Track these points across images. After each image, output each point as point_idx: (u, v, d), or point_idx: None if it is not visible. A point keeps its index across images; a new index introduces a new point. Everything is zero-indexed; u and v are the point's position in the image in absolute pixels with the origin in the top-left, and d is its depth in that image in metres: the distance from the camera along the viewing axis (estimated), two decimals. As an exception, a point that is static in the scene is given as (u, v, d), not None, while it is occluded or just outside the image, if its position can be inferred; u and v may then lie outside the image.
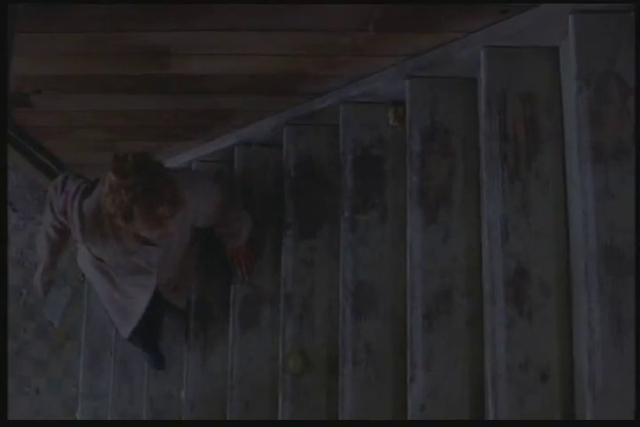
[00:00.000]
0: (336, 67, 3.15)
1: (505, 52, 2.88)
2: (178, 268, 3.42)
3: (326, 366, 3.44)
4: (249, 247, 3.66)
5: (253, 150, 3.82)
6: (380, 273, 3.27)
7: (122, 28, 2.79)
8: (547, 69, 2.88)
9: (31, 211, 4.92)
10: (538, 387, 2.72)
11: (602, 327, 2.46)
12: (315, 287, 3.48)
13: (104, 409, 4.39)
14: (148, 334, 3.77)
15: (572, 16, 2.62)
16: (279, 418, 3.46)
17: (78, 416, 4.56)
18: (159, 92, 3.36)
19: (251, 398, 3.65)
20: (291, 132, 3.63)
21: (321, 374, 3.45)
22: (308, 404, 3.46)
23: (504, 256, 2.77)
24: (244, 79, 3.24)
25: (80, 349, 4.63)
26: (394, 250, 3.26)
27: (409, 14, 2.74)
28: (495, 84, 2.90)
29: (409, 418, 3.01)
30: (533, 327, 2.75)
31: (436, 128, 3.13)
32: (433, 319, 3.01)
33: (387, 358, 3.24)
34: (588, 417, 2.47)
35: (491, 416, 2.72)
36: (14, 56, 2.30)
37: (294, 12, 2.71)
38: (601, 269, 2.48)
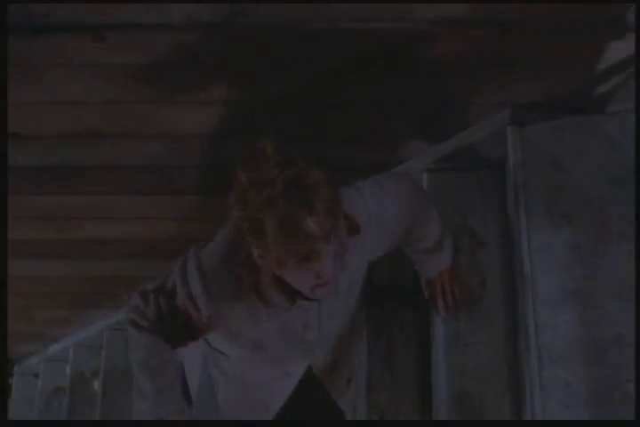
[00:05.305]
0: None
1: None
2: (343, 340, 2.34)
3: None
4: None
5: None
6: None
7: (14, 191, 2.79)
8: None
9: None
10: None
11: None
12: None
13: None
14: None
15: (426, 174, 2.76)
16: None
17: None
18: (64, 257, 3.37)
19: None
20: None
21: None
22: None
23: (367, 409, 2.76)
24: (142, 244, 3.24)
25: None
26: None
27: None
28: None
29: None
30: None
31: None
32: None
33: None
34: None
35: None
36: None
37: (181, 177, 2.81)
38: (452, 416, 2.46)
